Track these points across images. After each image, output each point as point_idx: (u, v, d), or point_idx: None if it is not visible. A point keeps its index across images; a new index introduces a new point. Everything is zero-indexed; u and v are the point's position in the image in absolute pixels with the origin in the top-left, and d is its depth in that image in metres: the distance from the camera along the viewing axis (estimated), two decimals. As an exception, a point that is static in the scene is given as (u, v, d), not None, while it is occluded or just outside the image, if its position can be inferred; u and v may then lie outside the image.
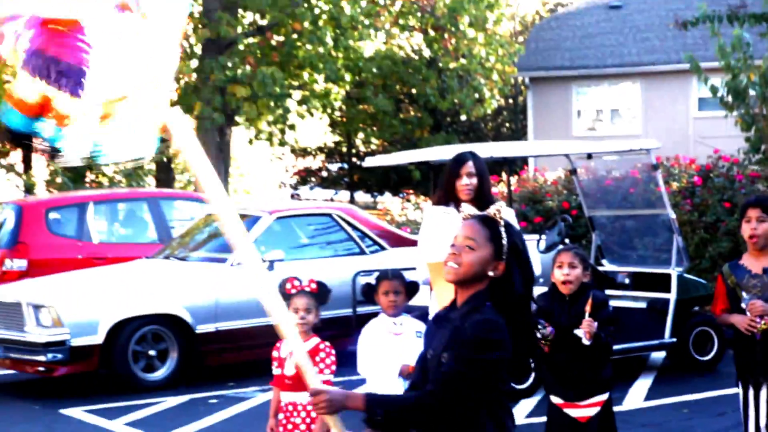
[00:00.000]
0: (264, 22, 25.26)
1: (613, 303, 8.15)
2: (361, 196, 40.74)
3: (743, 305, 6.06)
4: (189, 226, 13.14)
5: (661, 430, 8.67)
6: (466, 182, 6.56)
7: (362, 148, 40.59)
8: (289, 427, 6.10)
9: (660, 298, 10.79)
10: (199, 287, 11.24)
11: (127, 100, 3.67)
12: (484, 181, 6.62)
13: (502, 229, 3.80)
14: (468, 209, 3.94)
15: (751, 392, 6.15)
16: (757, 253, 6.13)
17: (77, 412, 9.93)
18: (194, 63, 24.83)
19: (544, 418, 6.47)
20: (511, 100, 41.84)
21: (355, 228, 12.29)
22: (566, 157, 12.19)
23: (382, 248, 12.23)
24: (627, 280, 11.30)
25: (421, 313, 7.03)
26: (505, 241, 3.79)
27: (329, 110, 29.22)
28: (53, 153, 3.71)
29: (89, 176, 21.16)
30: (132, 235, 14.21)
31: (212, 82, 23.59)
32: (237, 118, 25.66)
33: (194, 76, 24.82)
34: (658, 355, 11.59)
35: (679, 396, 9.87)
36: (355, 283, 10.77)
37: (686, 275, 11.03)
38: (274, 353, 6.24)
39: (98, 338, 10.61)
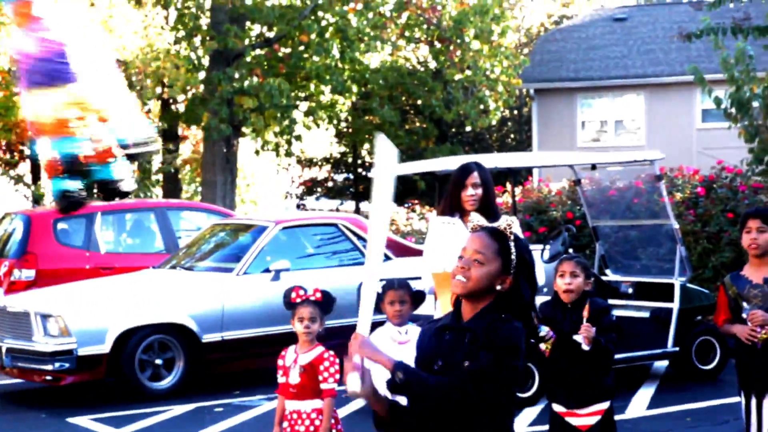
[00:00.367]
0: (271, 35, 25.32)
1: (616, 312, 8.16)
2: (367, 206, 40.76)
3: (744, 315, 6.07)
4: (195, 237, 13.15)
5: (664, 439, 8.66)
6: (471, 193, 6.57)
7: (368, 159, 40.62)
8: (294, 435, 6.11)
9: (663, 307, 10.79)
10: (205, 297, 11.26)
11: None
12: (489, 191, 6.63)
13: (512, 244, 3.77)
14: (477, 219, 3.90)
15: (753, 401, 6.16)
16: (758, 263, 6.15)
17: (84, 421, 9.95)
18: (202, 74, 24.89)
19: (546, 427, 6.47)
20: (515, 112, 41.86)
21: (360, 238, 12.30)
22: (570, 167, 12.19)
23: (388, 258, 12.24)
24: (630, 290, 11.29)
25: (425, 322, 7.05)
26: (513, 256, 3.75)
27: (335, 121, 29.30)
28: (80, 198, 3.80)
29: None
30: (139, 245, 14.23)
31: (220, 93, 23.65)
32: (244, 129, 25.72)
33: (202, 87, 24.88)
34: (661, 364, 11.58)
35: (682, 405, 9.86)
36: (359, 292, 10.78)
37: (689, 285, 11.02)
38: (279, 362, 6.26)
39: (105, 347, 10.63)
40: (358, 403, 9.99)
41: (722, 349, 10.89)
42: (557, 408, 6.26)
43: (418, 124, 35.01)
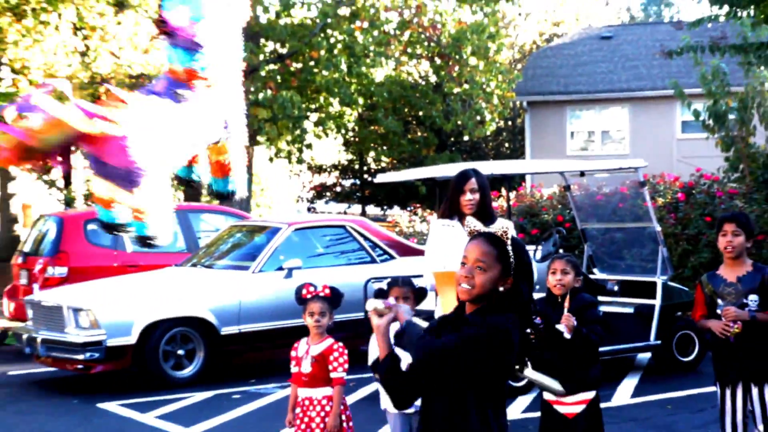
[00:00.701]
0: (284, 51, 25.35)
1: (603, 308, 8.18)
2: (372, 210, 40.76)
3: (719, 311, 6.09)
4: (214, 237, 13.17)
5: (646, 425, 8.67)
6: (469, 197, 6.58)
7: (373, 166, 40.62)
8: (306, 420, 6.13)
9: (646, 303, 10.80)
10: (223, 292, 11.27)
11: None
12: (485, 196, 6.64)
13: (509, 247, 3.76)
14: (473, 224, 3.88)
15: (728, 390, 6.17)
16: (732, 264, 6.16)
17: (112, 406, 9.97)
18: (220, 87, 24.90)
19: (538, 414, 6.49)
20: (510, 122, 41.84)
21: (366, 238, 12.32)
22: (561, 174, 12.21)
23: (392, 257, 12.26)
24: (616, 288, 11.30)
25: (427, 317, 7.06)
26: (512, 259, 3.74)
27: (343, 131, 29.30)
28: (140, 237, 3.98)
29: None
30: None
31: (236, 105, 23.65)
32: (259, 138, 25.73)
33: (220, 99, 24.91)
34: (644, 356, 11.59)
35: (663, 393, 9.87)
36: (366, 289, 10.80)
37: (670, 283, 11.03)
38: (292, 353, 6.28)
39: (132, 339, 10.65)
40: (365, 391, 10.02)
41: (700, 342, 10.90)
42: (547, 396, 6.28)
43: (419, 133, 35.00)
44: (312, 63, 24.68)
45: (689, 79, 24.26)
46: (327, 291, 6.21)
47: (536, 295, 6.19)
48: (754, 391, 6.09)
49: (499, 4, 27.78)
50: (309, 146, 26.98)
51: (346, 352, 6.20)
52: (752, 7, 14.15)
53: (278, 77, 24.95)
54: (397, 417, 6.27)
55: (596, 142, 32.76)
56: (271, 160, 27.96)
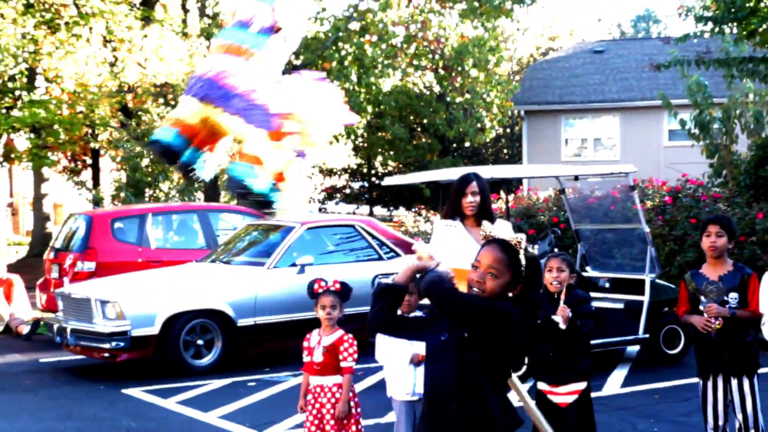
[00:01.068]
0: (298, 62, 25.37)
1: (595, 304, 8.14)
2: (379, 210, 40.75)
3: (702, 308, 6.07)
4: (232, 235, 13.16)
5: (634, 413, 8.64)
6: (470, 200, 6.55)
7: (380, 169, 40.61)
8: (317, 406, 6.12)
9: (635, 300, 10.76)
10: (240, 287, 11.26)
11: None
12: (485, 198, 6.61)
13: (522, 256, 3.71)
14: (489, 228, 3.83)
15: (709, 382, 6.16)
16: (714, 263, 6.14)
17: (136, 392, 9.96)
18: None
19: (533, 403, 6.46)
20: (508, 130, 41.82)
21: (374, 237, 12.30)
22: (556, 178, 12.18)
23: (398, 255, 12.23)
24: (607, 285, 11.27)
25: (430, 310, 7.03)
26: (523, 267, 3.70)
27: (353, 136, 29.30)
28: (188, 172, 3.67)
29: (148, 192, 21.24)
30: (184, 242, 14.25)
31: (254, 112, 23.67)
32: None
33: (238, 107, 24.94)
34: (633, 349, 11.55)
35: (650, 384, 9.84)
36: (374, 284, 10.78)
37: (658, 281, 10.99)
38: (305, 343, 6.27)
39: (155, 329, 10.65)
40: (373, 380, 10.00)
41: (686, 336, 10.86)
42: (541, 386, 6.26)
43: (424, 139, 34.99)
44: (324, 74, 24.68)
45: (676, 91, 24.22)
46: (337, 286, 6.21)
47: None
48: (734, 382, 6.08)
49: (499, 20, 27.77)
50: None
51: (355, 343, 6.19)
52: (735, 24, 14.12)
53: (293, 87, 24.92)
54: (402, 404, 6.25)
55: (589, 148, 32.71)
56: (285, 163, 27.93)
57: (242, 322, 11.12)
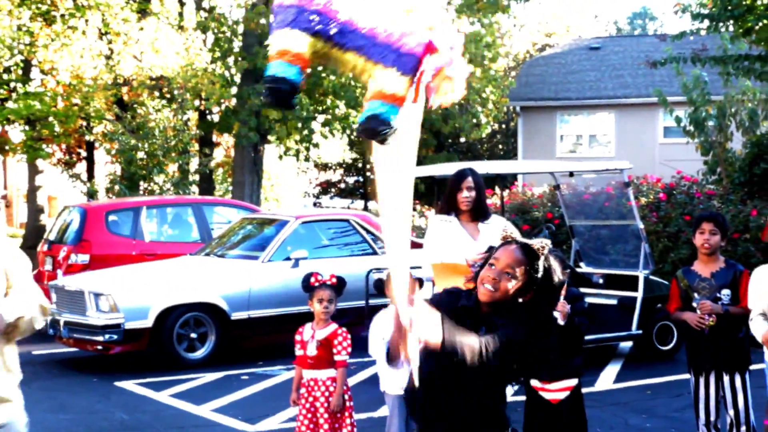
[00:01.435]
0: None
1: (588, 300, 8.16)
2: (374, 205, 40.73)
3: (694, 304, 6.08)
4: (226, 229, 13.16)
5: (627, 409, 8.66)
6: (466, 195, 6.55)
7: (376, 165, 40.57)
8: (311, 399, 6.13)
9: (629, 296, 10.78)
10: (234, 280, 11.26)
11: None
12: (481, 194, 6.61)
13: (542, 264, 3.53)
14: (511, 230, 3.71)
15: (701, 378, 6.17)
16: (707, 260, 6.14)
17: (129, 385, 9.97)
18: (234, 90, 24.89)
19: (524, 398, 6.48)
20: (504, 126, 41.82)
21: (368, 232, 12.31)
22: (551, 174, 12.19)
23: (392, 250, 12.23)
24: (601, 281, 11.28)
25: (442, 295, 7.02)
26: (539, 275, 3.52)
27: (348, 131, 29.26)
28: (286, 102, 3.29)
29: (143, 185, 21.22)
30: (178, 235, 14.23)
31: (249, 106, 23.66)
32: (269, 137, 25.72)
33: (234, 101, 24.89)
34: (626, 345, 11.58)
35: (643, 380, 9.86)
36: (368, 278, 10.80)
37: (651, 277, 11.01)
38: (297, 337, 6.27)
39: (148, 322, 10.65)
40: (366, 374, 10.01)
41: (678, 333, 10.88)
42: (533, 383, 6.27)
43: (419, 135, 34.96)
44: (320, 68, 24.65)
45: (671, 88, 24.23)
46: (333, 280, 6.21)
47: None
48: (725, 379, 6.09)
49: (496, 16, 27.75)
50: (316, 145, 26.97)
51: (349, 337, 6.20)
52: (731, 22, 14.13)
53: (288, 81, 24.89)
54: (395, 398, 6.26)
55: (584, 145, 32.73)
56: (280, 157, 27.96)
57: (236, 316, 11.12)
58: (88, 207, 13.99)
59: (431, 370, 3.53)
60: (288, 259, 11.47)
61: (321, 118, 26.43)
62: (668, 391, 9.35)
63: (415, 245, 12.00)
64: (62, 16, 21.11)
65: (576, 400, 6.22)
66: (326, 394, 6.09)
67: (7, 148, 22.89)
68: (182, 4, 25.05)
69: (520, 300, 3.54)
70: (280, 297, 11.25)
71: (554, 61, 35.00)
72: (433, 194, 11.76)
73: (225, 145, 32.91)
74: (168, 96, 22.92)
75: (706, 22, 14.12)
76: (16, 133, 23.00)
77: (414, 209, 21.52)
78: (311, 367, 6.13)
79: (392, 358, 3.39)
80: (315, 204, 41.85)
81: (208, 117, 27.50)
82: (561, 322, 6.01)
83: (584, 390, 6.38)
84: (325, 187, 42.52)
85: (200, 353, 10.94)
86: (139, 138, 20.46)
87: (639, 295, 10.67)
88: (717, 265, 6.12)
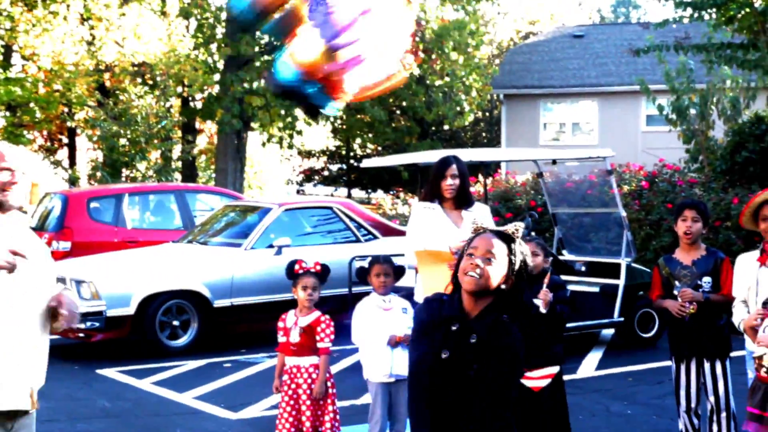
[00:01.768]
0: (278, 43, 25.26)
1: (570, 287, 8.18)
2: (357, 193, 40.74)
3: (676, 292, 6.10)
4: (209, 216, 13.13)
5: (609, 395, 8.70)
6: (450, 182, 6.53)
7: (359, 152, 40.56)
8: (293, 386, 6.12)
9: (611, 283, 10.82)
10: (217, 268, 11.24)
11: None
12: (464, 181, 6.60)
13: (518, 247, 3.55)
14: (480, 221, 3.73)
15: (682, 365, 6.20)
16: (688, 248, 6.16)
17: (111, 372, 9.94)
18: (217, 76, 24.79)
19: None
20: (487, 114, 41.84)
21: (352, 219, 12.29)
22: (534, 162, 12.21)
23: (375, 237, 12.24)
24: (583, 268, 11.32)
25: (406, 293, 7.05)
26: (518, 259, 3.54)
27: (331, 119, 29.24)
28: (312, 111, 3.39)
29: (125, 172, 21.15)
30: (160, 222, 14.20)
31: (232, 93, 23.58)
32: (252, 124, 25.65)
33: (217, 87, 24.78)
34: (608, 332, 11.63)
35: (625, 367, 9.91)
36: (351, 266, 10.80)
37: (633, 265, 11.05)
38: (280, 324, 6.27)
39: (130, 310, 10.61)
40: (349, 361, 10.02)
41: (660, 320, 10.93)
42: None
43: (403, 122, 34.97)
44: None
45: (654, 76, 24.29)
46: (318, 267, 6.21)
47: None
48: (706, 365, 6.12)
49: (480, 3, 27.73)
50: (299, 132, 26.92)
51: (332, 324, 6.20)
52: (714, 9, 14.16)
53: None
54: (378, 386, 6.27)
55: (567, 133, 32.80)
56: (263, 144, 27.91)
57: (218, 303, 11.10)
58: (70, 194, 13.92)
59: (443, 379, 3.49)
60: (271, 246, 11.45)
61: (304, 105, 26.37)
62: (650, 378, 9.40)
63: (399, 233, 12.05)
64: (43, 1, 20.97)
65: (557, 388, 6.23)
66: (309, 381, 6.09)
67: (-13, 134, 22.73)
68: (165, -10, 24.91)
69: (504, 287, 3.52)
70: (262, 284, 11.23)
71: (538, 48, 35.02)
72: (417, 182, 11.75)
73: (208, 132, 32.82)
74: (150, 82, 22.83)
75: (689, 10, 14.14)
76: (-3, 119, 22.83)
77: (397, 197, 21.51)
78: (294, 354, 6.13)
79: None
80: (298, 191, 41.81)
81: (191, 104, 27.41)
82: (543, 310, 6.02)
83: (566, 377, 6.39)
84: (309, 175, 42.48)
85: (182, 341, 10.91)
86: (122, 125, 20.37)
87: (621, 282, 10.70)
88: (698, 253, 6.15)
